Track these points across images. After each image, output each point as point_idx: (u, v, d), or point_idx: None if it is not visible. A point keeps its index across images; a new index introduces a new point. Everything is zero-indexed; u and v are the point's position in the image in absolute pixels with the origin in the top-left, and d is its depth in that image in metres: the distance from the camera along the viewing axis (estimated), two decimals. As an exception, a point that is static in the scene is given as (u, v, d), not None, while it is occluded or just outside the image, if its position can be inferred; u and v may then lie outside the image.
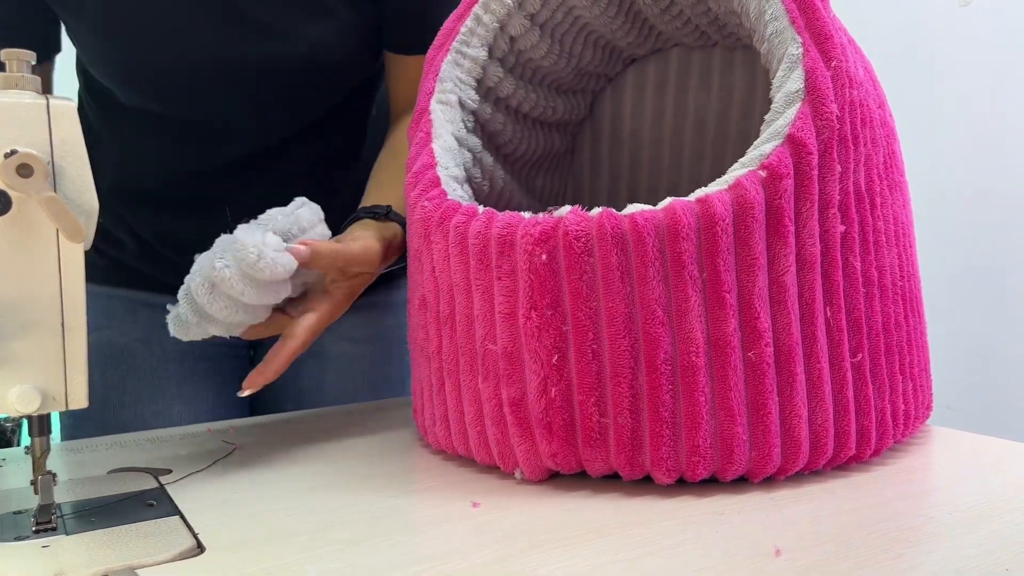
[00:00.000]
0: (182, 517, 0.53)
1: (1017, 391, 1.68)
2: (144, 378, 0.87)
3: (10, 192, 0.47)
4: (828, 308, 0.59)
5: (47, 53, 0.81)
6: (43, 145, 0.48)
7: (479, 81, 0.74)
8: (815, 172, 0.57)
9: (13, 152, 0.46)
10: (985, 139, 1.71)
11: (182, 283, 0.85)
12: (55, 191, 0.48)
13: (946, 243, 1.74)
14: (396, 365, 0.98)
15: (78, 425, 0.85)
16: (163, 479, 0.61)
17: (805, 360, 0.58)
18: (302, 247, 0.64)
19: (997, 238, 1.71)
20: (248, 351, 0.94)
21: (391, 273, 0.95)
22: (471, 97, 0.73)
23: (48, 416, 0.52)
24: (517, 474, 0.61)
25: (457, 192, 0.66)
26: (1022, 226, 1.66)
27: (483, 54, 0.73)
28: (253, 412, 0.96)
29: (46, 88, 0.72)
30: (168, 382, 0.88)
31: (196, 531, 0.51)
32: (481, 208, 0.61)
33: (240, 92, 0.77)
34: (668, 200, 0.55)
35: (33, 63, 0.50)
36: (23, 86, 0.49)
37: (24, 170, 0.46)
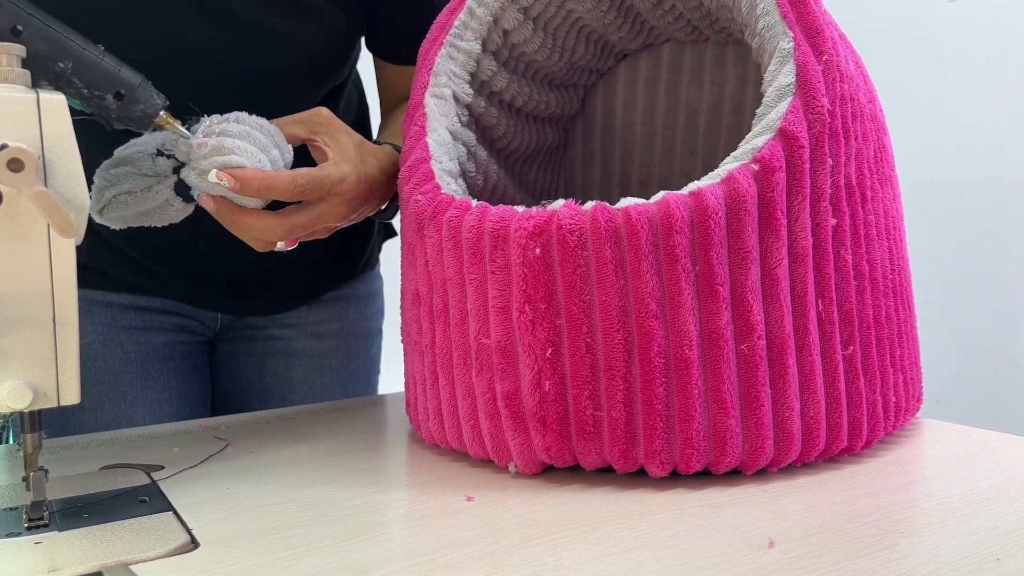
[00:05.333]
0: (175, 513, 0.53)
1: (1005, 383, 1.69)
2: (105, 381, 0.85)
3: (0, 187, 0.46)
4: (820, 301, 0.59)
5: None
6: (33, 140, 0.48)
7: (473, 75, 0.73)
8: (807, 165, 0.57)
9: (3, 147, 0.46)
10: (974, 134, 1.73)
11: (138, 280, 0.83)
12: (46, 186, 0.48)
13: (935, 237, 1.75)
14: (362, 359, 0.97)
15: None
16: (155, 475, 0.61)
17: (797, 353, 0.58)
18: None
19: (986, 232, 1.72)
20: (205, 346, 0.94)
21: (356, 267, 0.95)
22: (465, 91, 0.73)
23: (40, 412, 0.52)
24: (511, 468, 0.61)
25: (451, 186, 0.66)
26: (1011, 219, 1.68)
27: (477, 47, 0.72)
28: (215, 412, 0.95)
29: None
30: (130, 384, 0.85)
31: (190, 527, 0.51)
32: (475, 202, 0.61)
33: (225, 93, 0.77)
34: (661, 193, 0.56)
35: (23, 57, 0.50)
36: (13, 80, 0.49)
37: (14, 165, 0.46)
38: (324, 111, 0.69)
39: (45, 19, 0.57)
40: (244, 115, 0.64)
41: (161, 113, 0.61)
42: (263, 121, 0.65)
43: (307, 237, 0.68)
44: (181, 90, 0.75)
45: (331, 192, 0.66)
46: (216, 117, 0.64)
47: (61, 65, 0.56)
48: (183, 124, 0.64)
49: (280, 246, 0.67)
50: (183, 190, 0.65)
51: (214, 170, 0.61)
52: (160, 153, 0.64)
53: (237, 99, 0.77)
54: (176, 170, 0.64)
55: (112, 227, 0.66)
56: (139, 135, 0.65)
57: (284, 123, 0.67)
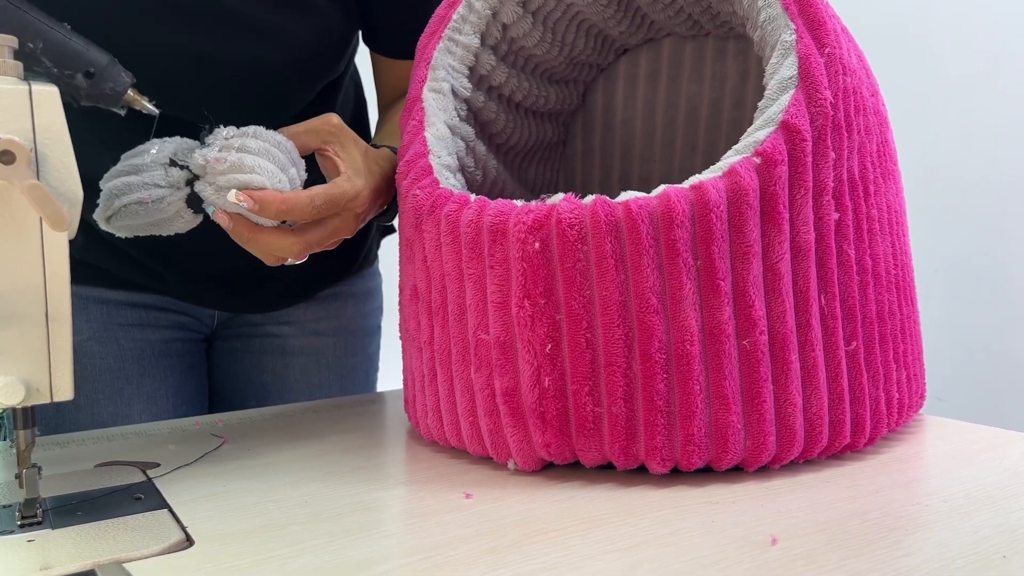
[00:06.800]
0: (170, 510, 0.53)
1: (1007, 381, 1.68)
2: (101, 378, 0.84)
3: (-8, 179, 0.46)
4: (822, 296, 0.59)
5: None
6: (25, 132, 0.47)
7: (471, 69, 0.73)
8: (809, 159, 0.57)
9: (-5, 139, 0.45)
10: (975, 129, 1.72)
11: (135, 276, 0.83)
12: (38, 178, 0.47)
13: (937, 233, 1.75)
14: (360, 356, 0.97)
15: None
16: (151, 472, 0.60)
17: (800, 348, 0.58)
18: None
19: (987, 228, 1.71)
20: (203, 344, 0.93)
21: (353, 264, 0.94)
22: (464, 85, 0.72)
23: (33, 408, 0.51)
24: (510, 465, 0.60)
25: (450, 181, 0.65)
26: (1013, 216, 1.67)
27: (475, 41, 0.72)
28: (212, 410, 0.94)
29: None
30: (127, 382, 0.85)
31: (184, 524, 0.50)
32: (473, 196, 0.60)
33: (222, 90, 0.76)
34: (662, 187, 0.55)
35: (15, 48, 0.49)
36: (5, 72, 0.48)
37: (6, 157, 0.45)
38: (334, 118, 0.68)
39: None
40: (261, 130, 0.63)
41: (129, 91, 0.61)
42: (280, 137, 0.64)
43: (318, 249, 0.68)
44: (178, 87, 0.75)
45: (345, 208, 0.66)
46: (232, 129, 0.63)
47: (31, 45, 0.56)
48: (197, 133, 0.63)
49: (290, 260, 0.67)
50: (194, 203, 0.64)
51: (234, 190, 0.61)
52: (173, 163, 0.63)
53: (234, 96, 0.77)
54: (189, 182, 0.63)
55: (118, 235, 0.65)
56: (145, 139, 0.64)
57: (295, 133, 0.66)
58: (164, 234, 0.66)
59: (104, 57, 0.59)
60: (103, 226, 0.64)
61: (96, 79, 0.59)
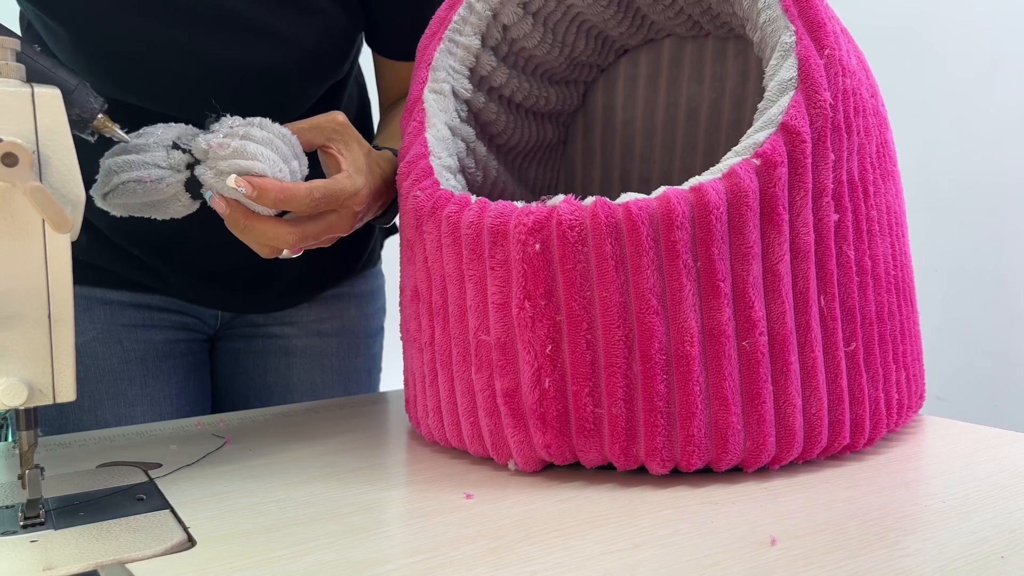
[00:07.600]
0: (172, 511, 0.53)
1: (1006, 381, 1.69)
2: (104, 379, 0.84)
3: (-5, 182, 0.46)
4: (822, 297, 0.59)
5: None
6: (28, 134, 0.47)
7: (472, 70, 0.73)
8: (809, 160, 0.57)
9: (-3, 141, 0.45)
10: (975, 130, 1.72)
11: (138, 276, 0.83)
12: (40, 181, 0.47)
13: (936, 233, 1.75)
14: (363, 357, 0.97)
15: None
16: (153, 473, 0.61)
17: (799, 349, 0.58)
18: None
19: (987, 229, 1.71)
20: (206, 344, 0.93)
21: (356, 264, 0.95)
22: (464, 86, 0.72)
23: (36, 410, 0.51)
24: (511, 465, 0.61)
25: (450, 182, 0.65)
26: (1012, 216, 1.67)
27: (476, 42, 0.72)
28: (215, 410, 0.95)
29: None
30: (131, 383, 0.85)
31: (187, 525, 0.51)
32: (474, 198, 0.60)
33: (224, 92, 0.77)
34: (662, 189, 0.55)
35: (18, 51, 0.49)
36: (7, 74, 0.48)
37: (9, 159, 0.45)
38: (340, 116, 0.68)
39: None
40: (267, 122, 0.63)
41: (99, 116, 0.59)
42: (285, 130, 0.65)
43: (313, 245, 0.68)
44: (182, 89, 0.75)
45: (343, 205, 0.66)
46: (237, 119, 0.63)
47: None
48: (203, 123, 0.63)
49: (285, 253, 0.67)
50: (192, 187, 0.63)
51: (233, 175, 0.61)
52: (176, 146, 0.62)
53: (238, 98, 0.77)
54: (190, 166, 0.63)
55: (112, 213, 0.64)
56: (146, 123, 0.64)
57: (300, 129, 0.66)
58: (159, 217, 0.65)
59: (72, 80, 0.57)
60: (99, 203, 0.63)
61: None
